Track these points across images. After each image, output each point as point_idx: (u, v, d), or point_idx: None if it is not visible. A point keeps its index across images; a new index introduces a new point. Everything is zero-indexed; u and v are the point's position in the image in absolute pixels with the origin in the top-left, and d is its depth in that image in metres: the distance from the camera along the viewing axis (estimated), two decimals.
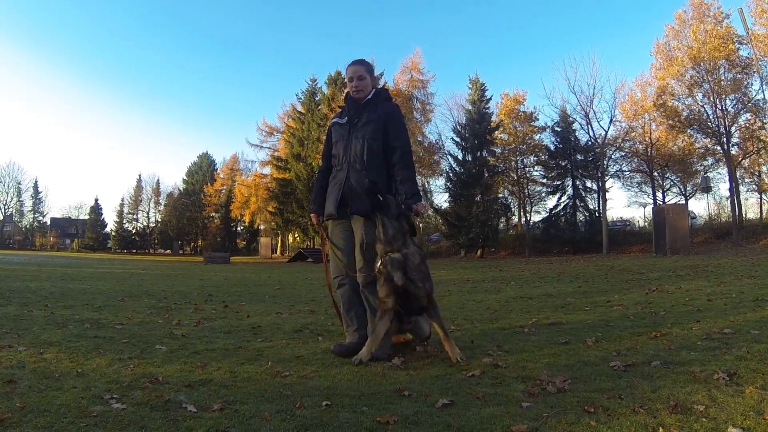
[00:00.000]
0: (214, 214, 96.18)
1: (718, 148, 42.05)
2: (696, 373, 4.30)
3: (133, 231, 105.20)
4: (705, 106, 41.52)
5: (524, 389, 4.09)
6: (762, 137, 40.38)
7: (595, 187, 49.83)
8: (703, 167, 47.38)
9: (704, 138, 43.16)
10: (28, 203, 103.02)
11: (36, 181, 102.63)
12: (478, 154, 50.53)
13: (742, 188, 46.54)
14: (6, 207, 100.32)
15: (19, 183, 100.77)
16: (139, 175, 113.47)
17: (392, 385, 4.34)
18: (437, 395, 3.99)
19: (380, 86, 6.27)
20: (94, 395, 3.97)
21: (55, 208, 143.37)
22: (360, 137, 5.82)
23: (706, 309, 8.10)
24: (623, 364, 4.70)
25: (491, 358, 5.24)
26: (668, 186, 52.05)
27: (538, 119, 54.51)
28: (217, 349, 5.97)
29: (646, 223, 55.33)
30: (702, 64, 39.86)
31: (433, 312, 5.39)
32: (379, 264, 5.42)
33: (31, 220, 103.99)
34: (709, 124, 41.12)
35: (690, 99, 42.17)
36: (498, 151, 53.51)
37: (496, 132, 52.17)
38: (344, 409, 3.69)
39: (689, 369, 4.45)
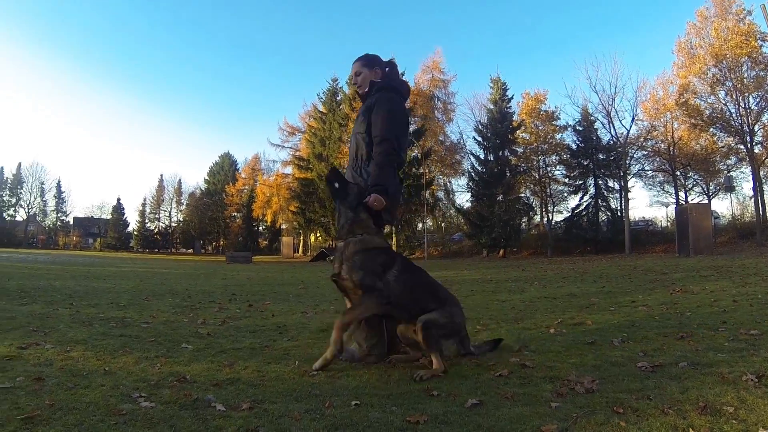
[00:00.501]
0: (235, 213, 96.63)
1: (742, 146, 41.67)
2: (724, 374, 4.26)
3: (155, 230, 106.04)
4: (728, 104, 41.24)
5: (552, 389, 4.07)
6: None
7: (617, 186, 49.69)
8: (726, 166, 46.96)
9: (727, 136, 42.79)
10: (51, 203, 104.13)
11: (59, 181, 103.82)
12: (500, 153, 50.62)
13: (766, 187, 46.02)
14: (30, 207, 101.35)
15: (43, 183, 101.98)
16: (161, 175, 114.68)
17: (420, 385, 4.33)
18: (466, 395, 3.97)
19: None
20: (123, 393, 3.98)
21: (78, 207, 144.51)
22: (354, 134, 5.86)
23: (731, 310, 8.05)
24: (650, 364, 4.67)
25: (518, 358, 5.23)
26: (690, 185, 51.75)
27: (559, 118, 54.47)
28: (243, 348, 5.98)
29: (668, 223, 54.95)
30: (724, 61, 39.55)
31: (363, 301, 4.98)
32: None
33: (54, 219, 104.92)
34: (732, 122, 40.80)
35: (712, 97, 41.91)
36: (520, 150, 53.53)
37: (517, 131, 52.16)
38: (374, 409, 3.69)
39: (717, 370, 4.41)
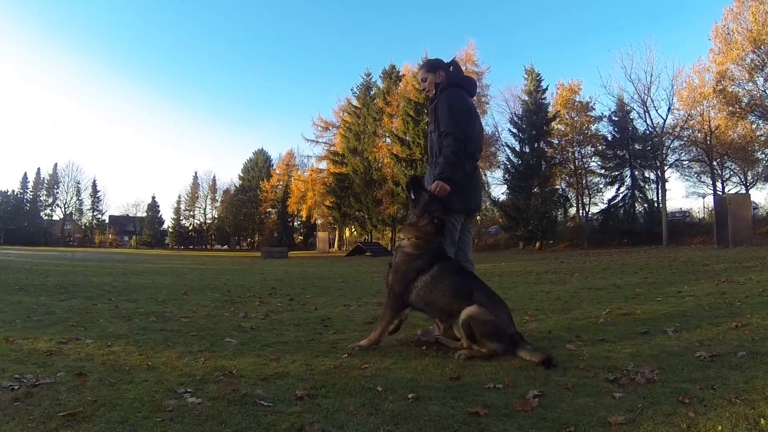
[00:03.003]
0: (270, 209, 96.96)
1: None
2: None
3: (190, 227, 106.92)
4: (767, 90, 40.65)
5: (612, 379, 3.99)
6: None
7: (653, 177, 49.37)
8: (764, 155, 46.48)
9: (766, 124, 42.29)
10: (87, 202, 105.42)
11: (94, 181, 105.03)
12: (536, 145, 50.50)
13: None
14: (66, 206, 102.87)
15: (78, 183, 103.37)
16: (196, 173, 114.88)
17: (477, 377, 4.25)
18: (525, 386, 3.90)
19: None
20: (167, 389, 3.90)
21: (114, 206, 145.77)
22: (429, 133, 6.39)
23: None
24: (708, 354, 4.60)
25: (574, 347, 5.19)
26: (728, 175, 51.27)
27: (594, 109, 54.14)
28: (288, 341, 5.92)
29: (705, 214, 54.39)
30: (762, 47, 38.91)
31: (384, 307, 5.72)
32: None
33: (90, 218, 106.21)
34: None
35: (751, 84, 41.34)
36: (555, 142, 53.45)
37: (552, 123, 52.01)
38: (432, 402, 3.59)
39: None
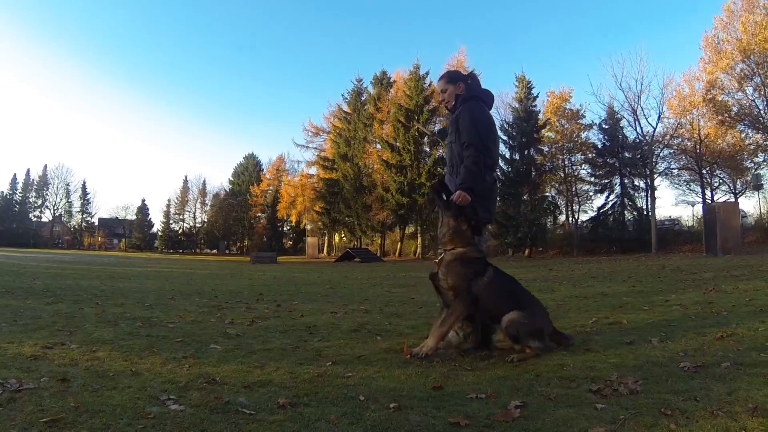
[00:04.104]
0: (260, 214, 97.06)
1: None
2: None
3: (180, 231, 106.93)
4: (756, 100, 41.01)
5: (595, 390, 3.97)
6: None
7: (643, 185, 49.54)
8: (753, 164, 46.59)
9: (755, 133, 42.55)
10: (77, 204, 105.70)
11: (84, 183, 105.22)
12: (526, 152, 50.82)
13: None
14: (55, 208, 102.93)
15: (68, 184, 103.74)
16: (186, 177, 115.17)
17: (460, 386, 4.24)
18: (507, 396, 3.88)
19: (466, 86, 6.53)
20: (150, 395, 3.89)
21: (103, 208, 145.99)
22: (448, 143, 6.45)
23: None
24: (693, 365, 4.56)
25: (557, 358, 5.16)
26: (717, 184, 51.41)
27: (585, 116, 54.42)
28: (273, 348, 5.89)
29: (694, 222, 54.50)
30: (752, 56, 39.22)
31: (453, 306, 5.54)
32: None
33: (80, 220, 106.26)
34: (761, 119, 40.45)
35: (740, 93, 41.72)
36: (545, 149, 53.70)
37: (543, 130, 52.22)
38: (413, 411, 3.59)
39: (762, 371, 4.30)
